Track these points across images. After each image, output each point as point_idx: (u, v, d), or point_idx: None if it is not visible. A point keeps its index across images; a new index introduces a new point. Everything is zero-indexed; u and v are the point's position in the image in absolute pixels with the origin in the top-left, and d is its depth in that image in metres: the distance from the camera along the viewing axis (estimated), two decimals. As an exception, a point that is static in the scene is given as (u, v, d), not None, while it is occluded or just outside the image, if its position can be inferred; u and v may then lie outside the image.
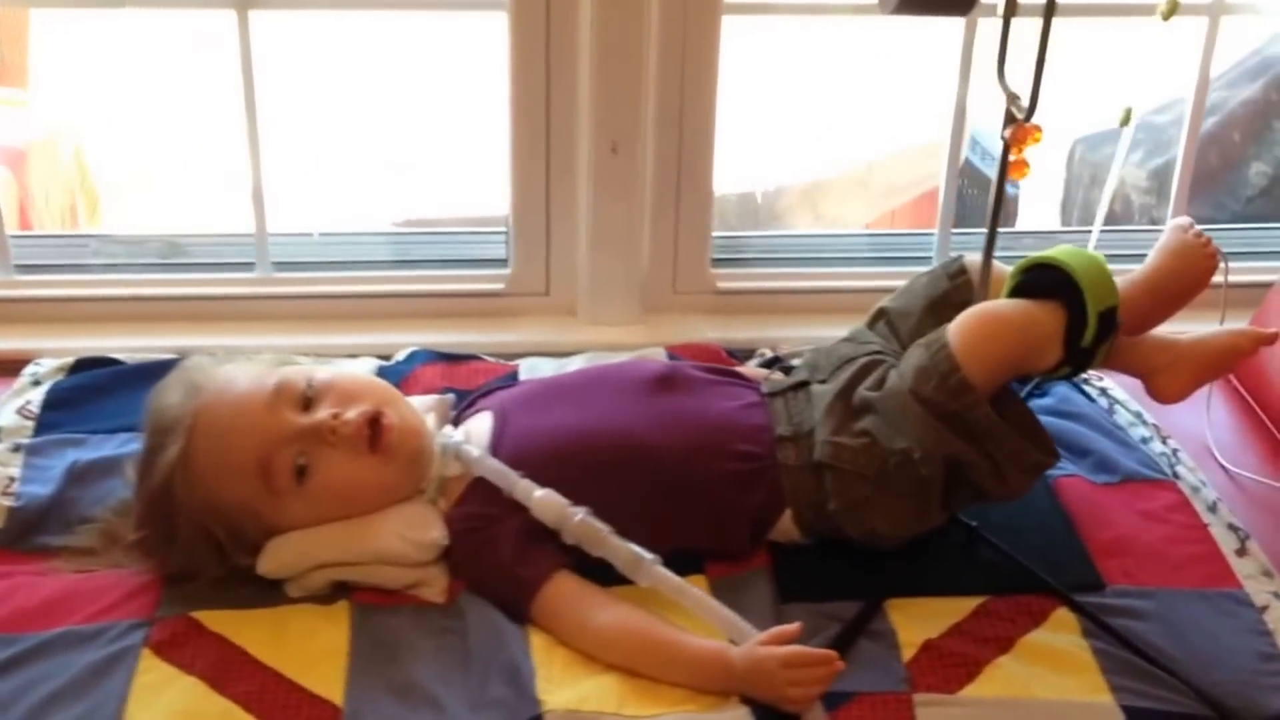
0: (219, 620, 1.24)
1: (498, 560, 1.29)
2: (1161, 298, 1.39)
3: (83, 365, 1.65)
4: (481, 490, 1.32)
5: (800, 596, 1.33)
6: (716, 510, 1.35)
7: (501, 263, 1.96)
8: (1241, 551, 1.42)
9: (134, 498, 1.31)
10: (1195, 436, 1.65)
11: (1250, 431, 1.66)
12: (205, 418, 1.28)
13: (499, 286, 1.94)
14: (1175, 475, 1.54)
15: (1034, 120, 1.29)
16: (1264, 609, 1.34)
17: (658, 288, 1.95)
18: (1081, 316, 1.29)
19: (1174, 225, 1.42)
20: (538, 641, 1.25)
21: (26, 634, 1.21)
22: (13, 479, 1.41)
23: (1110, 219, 2.83)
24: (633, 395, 1.41)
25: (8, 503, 1.37)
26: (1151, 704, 1.21)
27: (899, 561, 1.37)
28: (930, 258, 2.01)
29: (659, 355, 1.72)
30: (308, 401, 1.30)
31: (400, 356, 1.74)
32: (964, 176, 2.90)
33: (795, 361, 1.68)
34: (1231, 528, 1.45)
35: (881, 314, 1.52)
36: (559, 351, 1.81)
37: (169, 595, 1.27)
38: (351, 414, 1.29)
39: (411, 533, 1.30)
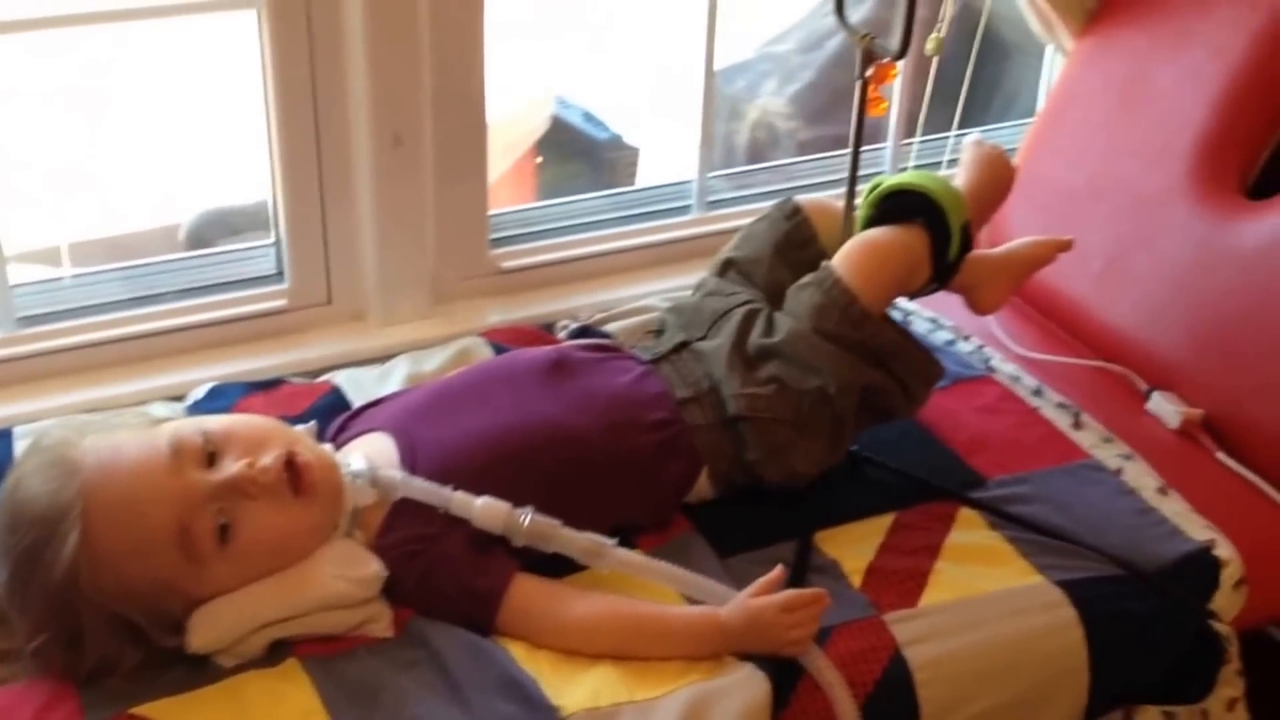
0: (167, 711, 1.12)
1: (451, 578, 1.24)
2: (980, 206, 1.52)
3: None
4: (409, 513, 1.26)
5: (737, 549, 1.37)
6: (645, 482, 1.36)
7: (276, 277, 1.84)
8: (1077, 425, 1.59)
9: (18, 602, 1.15)
10: (979, 331, 1.80)
11: (1020, 320, 1.83)
12: (98, 496, 1.14)
13: (280, 303, 1.82)
14: (991, 369, 1.69)
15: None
16: (1119, 471, 1.51)
17: (443, 277, 1.90)
18: (943, 235, 1.39)
19: (971, 142, 1.56)
20: (516, 650, 1.22)
21: None
22: None
23: (755, 148, 3.01)
24: (534, 386, 1.39)
25: None
26: (1076, 574, 1.35)
27: (807, 497, 1.43)
28: (690, 205, 2.07)
29: (480, 346, 1.69)
30: (210, 457, 1.19)
31: (199, 395, 1.60)
32: (556, 141, 2.98)
33: (609, 328, 1.71)
34: (1061, 406, 1.61)
35: (730, 264, 1.57)
36: (356, 360, 1.74)
37: (91, 698, 1.13)
38: (266, 460, 1.19)
39: (349, 571, 1.22)
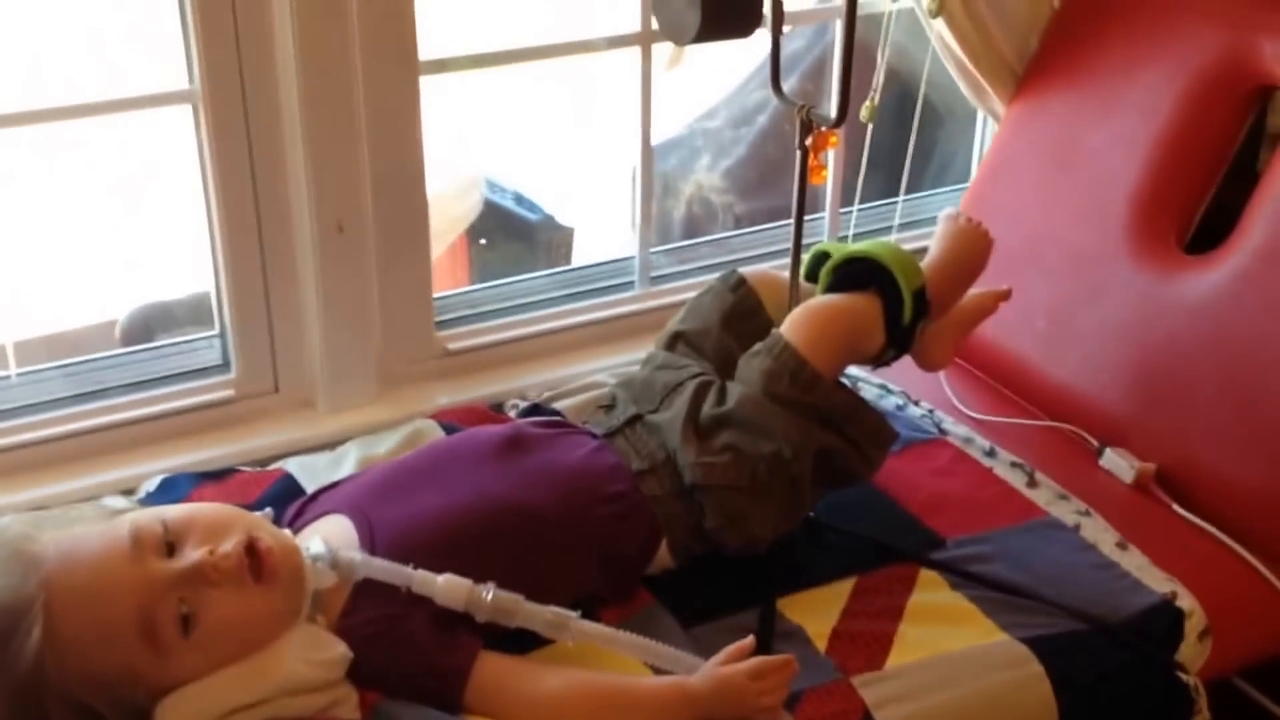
0: None
1: (416, 658, 1.22)
2: (952, 281, 1.54)
3: None
4: (370, 593, 1.25)
5: (700, 619, 1.36)
6: (605, 554, 1.36)
7: (222, 368, 1.83)
8: (1032, 484, 1.60)
9: None
10: (929, 394, 1.82)
11: (969, 382, 1.86)
12: (60, 589, 1.12)
13: (228, 394, 1.80)
14: (943, 431, 1.71)
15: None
16: (1077, 527, 1.52)
17: (390, 361, 1.89)
18: (897, 301, 1.41)
19: (946, 216, 1.59)
20: (486, 727, 1.20)
21: None
22: None
23: (691, 222, 3.05)
24: (490, 464, 1.38)
25: None
26: (1039, 631, 1.36)
27: (767, 564, 1.43)
28: (633, 281, 2.09)
29: (432, 428, 1.68)
30: (170, 546, 1.17)
31: (151, 487, 1.60)
32: (489, 225, 3.00)
33: (559, 405, 1.71)
34: (1015, 465, 1.63)
35: (678, 337, 1.58)
36: (306, 447, 1.73)
37: None
38: (227, 546, 1.17)
39: (314, 654, 1.20)
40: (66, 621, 1.11)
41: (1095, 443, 1.67)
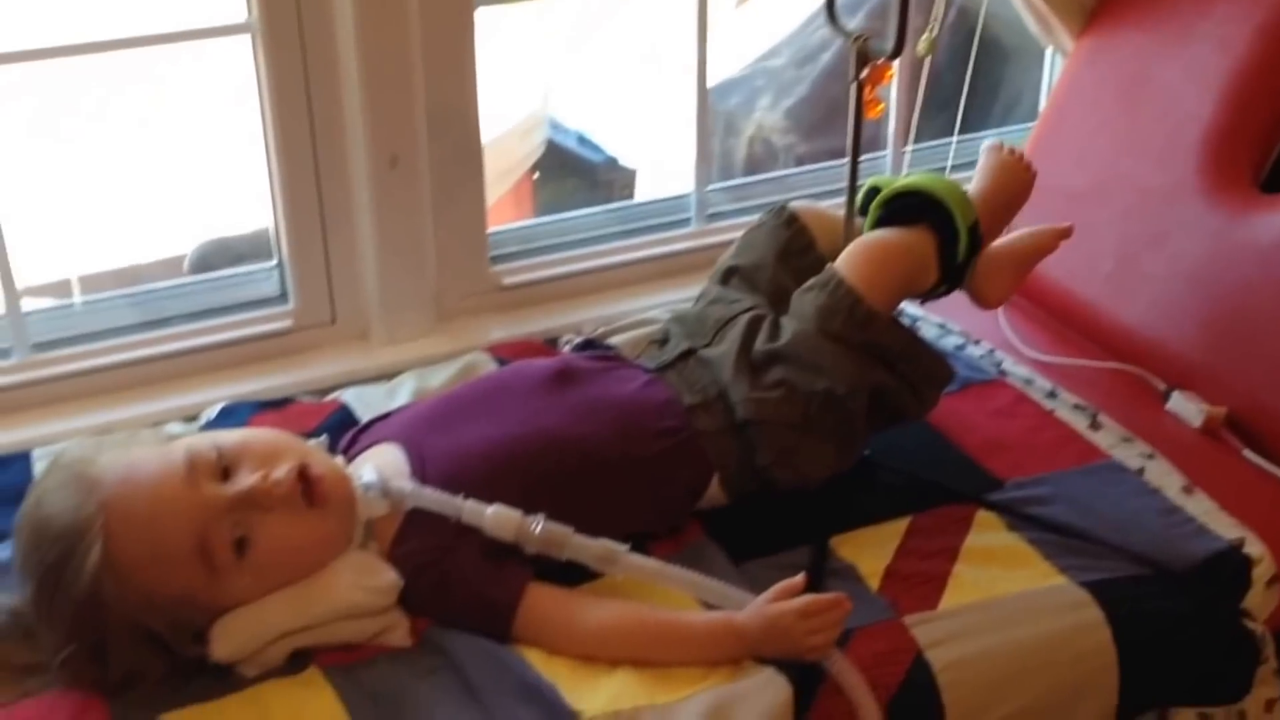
0: (193, 719, 1.13)
1: (465, 588, 1.23)
2: (996, 214, 1.51)
3: None
4: (421, 523, 1.25)
5: (751, 555, 1.35)
6: (656, 489, 1.35)
7: (280, 299, 1.84)
8: (1094, 426, 1.57)
9: (44, 616, 1.15)
10: (990, 334, 1.78)
11: (1031, 323, 1.81)
12: (119, 510, 1.14)
13: (286, 324, 1.82)
14: (1003, 372, 1.68)
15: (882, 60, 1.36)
16: (1140, 471, 1.49)
17: (445, 295, 1.89)
18: (950, 235, 1.38)
19: (988, 148, 1.54)
20: (533, 656, 1.21)
21: None
22: None
23: (752, 162, 3.01)
24: (541, 396, 1.37)
25: None
26: (1100, 575, 1.33)
27: (821, 502, 1.42)
28: (689, 218, 2.07)
29: (485, 362, 1.68)
30: (225, 471, 1.18)
31: (212, 414, 1.61)
32: (551, 166, 2.98)
33: (612, 340, 1.70)
34: (1077, 408, 1.60)
35: (732, 271, 1.56)
36: (361, 379, 1.73)
37: (118, 708, 1.14)
38: (280, 472, 1.18)
39: (366, 580, 1.21)
40: (124, 543, 1.13)
41: (1162, 385, 1.63)
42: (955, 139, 1.93)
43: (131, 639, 1.14)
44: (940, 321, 1.79)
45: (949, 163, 2.02)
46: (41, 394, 1.67)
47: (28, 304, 1.68)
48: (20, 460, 1.49)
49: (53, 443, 1.53)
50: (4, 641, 1.19)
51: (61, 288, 2.37)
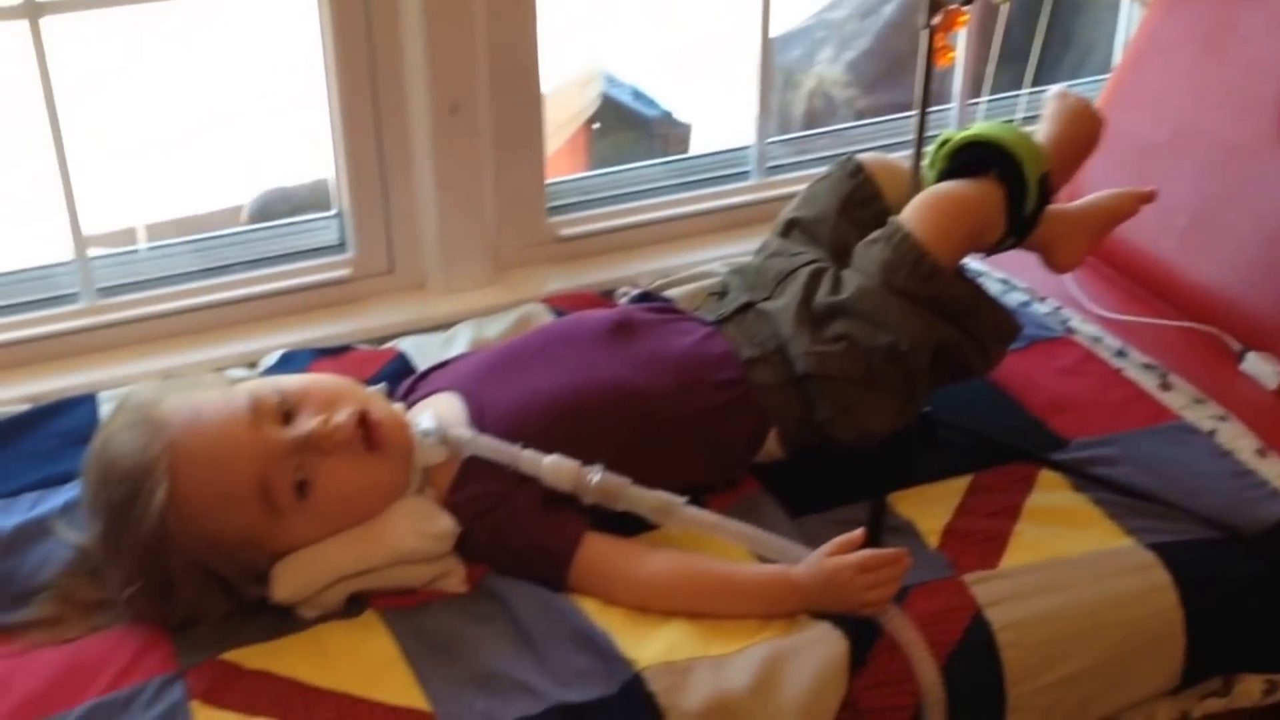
0: (254, 656, 1.14)
1: (522, 536, 1.23)
2: (1065, 163, 1.47)
3: (-65, 432, 1.44)
4: (479, 470, 1.25)
5: (808, 510, 1.34)
6: (713, 442, 1.34)
7: (339, 248, 1.84)
8: (1165, 386, 1.53)
9: (111, 554, 1.17)
10: (1056, 292, 1.74)
11: (1099, 280, 1.77)
12: (184, 452, 1.15)
13: (344, 273, 1.82)
14: (1070, 330, 1.64)
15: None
16: (1212, 433, 1.45)
17: (502, 246, 1.88)
18: (1018, 187, 1.35)
19: (1056, 94, 1.50)
20: (588, 606, 1.20)
21: (55, 715, 1.10)
22: None
23: (811, 117, 2.96)
24: (600, 346, 1.37)
25: None
26: (1167, 537, 1.30)
27: (880, 459, 1.40)
28: (749, 171, 2.04)
29: (542, 313, 1.67)
30: (287, 414, 1.19)
31: (271, 361, 1.63)
32: (605, 121, 2.95)
33: (669, 293, 1.68)
34: (1147, 367, 1.56)
35: (794, 224, 1.54)
36: (419, 328, 1.73)
37: (183, 644, 1.16)
38: (340, 416, 1.19)
39: (423, 526, 1.22)
40: (189, 483, 1.14)
41: (1237, 346, 1.59)
42: (1027, 91, 1.88)
43: (195, 578, 1.15)
44: (1004, 277, 1.76)
45: (1019, 116, 1.97)
46: (106, 338, 1.69)
47: (94, 251, 1.69)
48: (86, 402, 1.51)
49: (117, 386, 1.55)
50: (73, 578, 1.21)
51: (127, 235, 2.40)
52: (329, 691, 1.11)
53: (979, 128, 1.38)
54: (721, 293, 1.54)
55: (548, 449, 1.23)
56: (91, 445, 1.20)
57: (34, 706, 1.10)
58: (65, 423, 1.46)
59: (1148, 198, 1.51)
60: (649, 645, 1.15)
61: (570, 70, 2.92)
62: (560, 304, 1.70)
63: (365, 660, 1.14)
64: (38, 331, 1.66)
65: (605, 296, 1.76)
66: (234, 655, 1.14)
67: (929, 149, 1.48)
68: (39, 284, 1.70)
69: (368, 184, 1.76)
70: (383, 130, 1.74)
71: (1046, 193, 1.37)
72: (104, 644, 1.16)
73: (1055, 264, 1.52)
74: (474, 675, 1.12)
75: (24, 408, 1.51)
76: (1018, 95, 1.99)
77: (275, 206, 2.53)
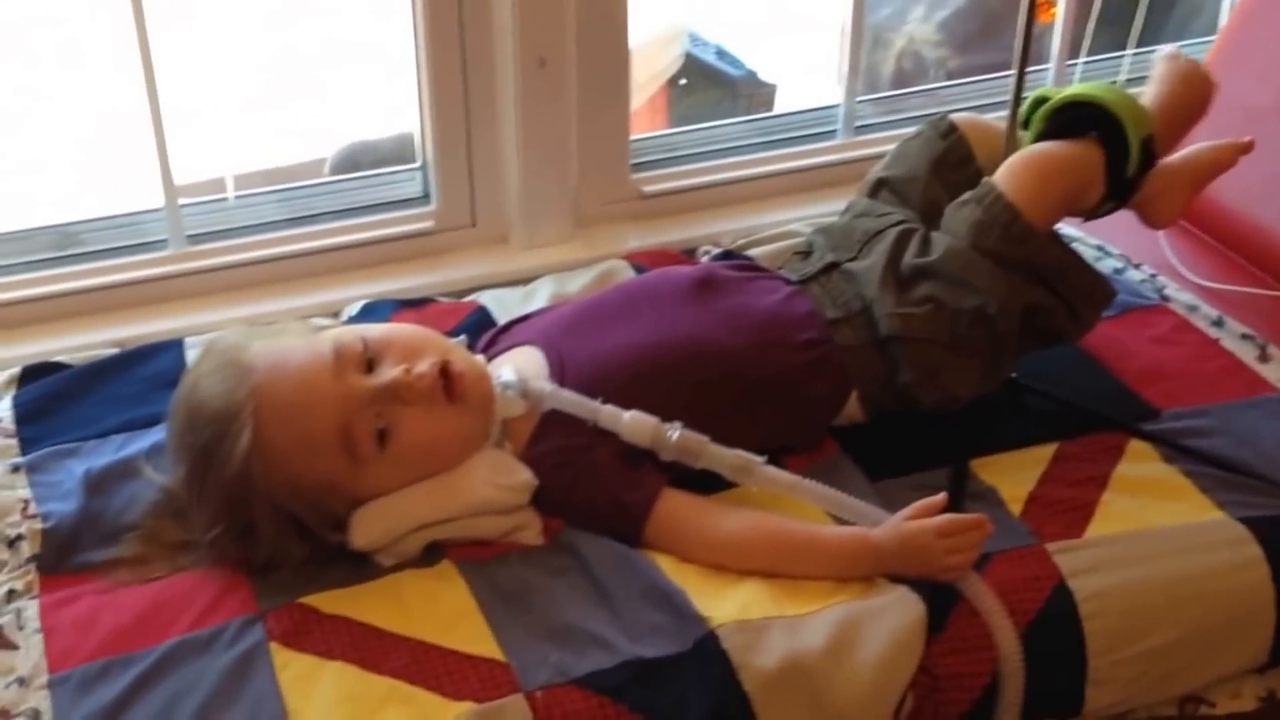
0: (332, 601, 1.16)
1: (600, 490, 1.23)
2: (1172, 126, 1.42)
3: (30, 374, 1.48)
4: (558, 424, 1.25)
5: (888, 474, 1.32)
6: (793, 402, 1.32)
7: (423, 200, 1.85)
8: (1264, 358, 1.49)
9: (195, 496, 1.19)
10: (1152, 258, 1.70)
11: (1197, 247, 1.72)
12: (268, 397, 1.16)
13: (427, 225, 1.83)
14: (1165, 298, 1.60)
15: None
16: (1313, 407, 1.41)
17: (585, 201, 1.88)
18: (1120, 149, 1.31)
19: (1166, 55, 1.45)
20: (663, 562, 1.20)
21: (140, 652, 1.12)
22: (27, 500, 1.27)
23: (900, 78, 2.90)
24: (683, 303, 1.36)
25: (38, 525, 1.24)
26: (1262, 511, 1.27)
27: (963, 424, 1.37)
28: (835, 130, 2.01)
29: (623, 269, 1.67)
30: (370, 363, 1.20)
31: (354, 311, 1.64)
32: (689, 80, 2.92)
33: (752, 252, 1.66)
34: (1245, 337, 1.52)
35: (883, 183, 1.51)
36: (499, 282, 1.73)
37: (263, 587, 1.17)
38: (422, 366, 1.19)
39: (501, 478, 1.22)
40: (273, 429, 1.15)
41: (1339, 318, 1.54)
42: (1131, 52, 1.82)
43: (276, 522, 1.16)
44: (1099, 243, 1.71)
45: (1123, 78, 1.91)
46: (194, 285, 1.71)
47: (184, 199, 1.71)
48: (173, 347, 1.53)
49: (203, 332, 1.57)
50: (159, 519, 1.23)
51: (216, 185, 2.43)
52: (404, 638, 1.12)
53: (1080, 87, 1.35)
54: (806, 252, 1.52)
55: (627, 404, 1.23)
56: (178, 389, 1.22)
57: (119, 642, 1.12)
58: (152, 367, 1.48)
59: (1246, 148, 1.46)
60: (724, 603, 1.14)
61: (654, 28, 2.89)
62: (641, 260, 1.70)
63: (441, 609, 1.15)
64: (127, 277, 1.69)
65: (687, 254, 1.75)
66: (312, 599, 1.15)
67: (1022, 108, 1.45)
68: (130, 230, 1.73)
69: (453, 137, 1.76)
70: (469, 83, 1.74)
71: (1150, 156, 1.33)
72: (187, 584, 1.18)
73: (1152, 219, 1.48)
74: (548, 627, 1.13)
75: (113, 351, 1.54)
76: (1121, 56, 1.93)
77: (359, 159, 2.55)
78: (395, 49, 1.76)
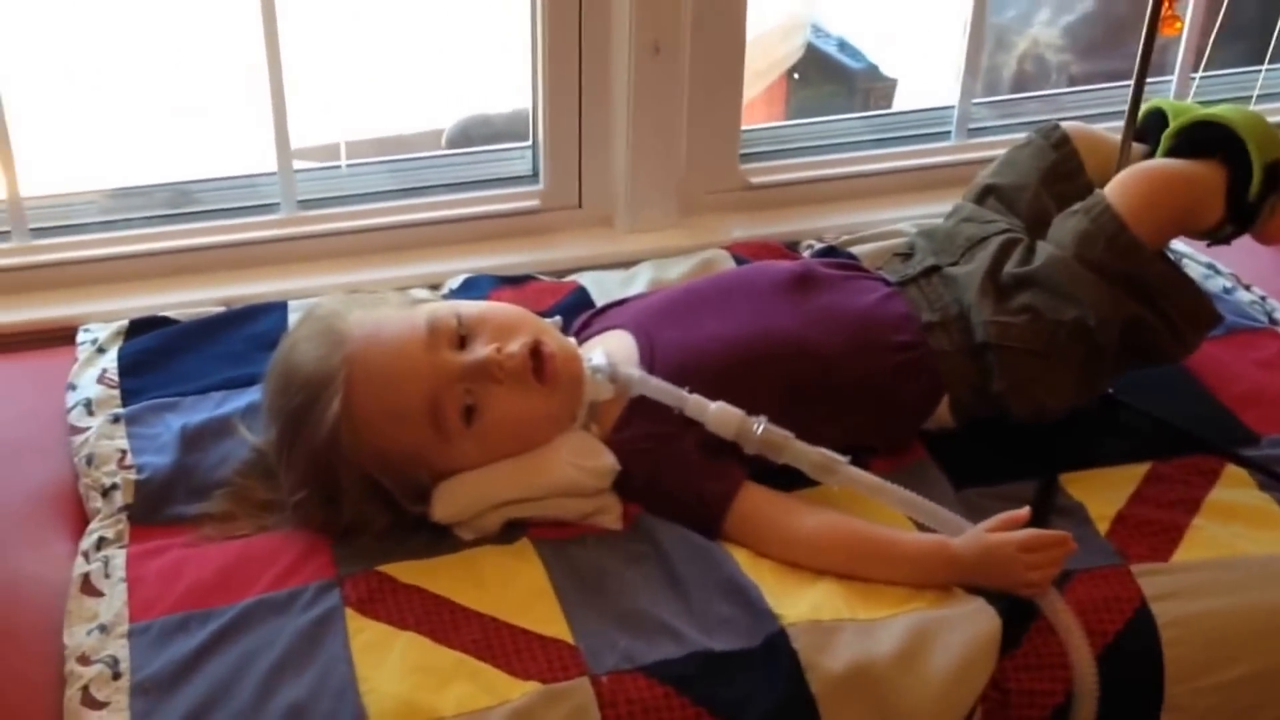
0: (409, 572, 1.17)
1: (681, 479, 1.23)
2: None
3: (137, 327, 1.53)
4: (645, 410, 1.26)
5: (973, 482, 1.31)
6: (883, 404, 1.32)
7: (531, 179, 1.87)
8: (1376, 388, 1.44)
9: (284, 458, 1.22)
10: (1263, 280, 1.65)
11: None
12: (361, 366, 1.18)
13: (534, 204, 1.84)
14: (1274, 321, 1.56)
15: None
16: None
17: (691, 188, 1.88)
18: (1244, 172, 1.27)
19: None
20: (740, 556, 1.20)
21: (219, 608, 1.14)
22: (124, 451, 1.31)
23: (1021, 80, 2.85)
24: (778, 298, 1.36)
25: (132, 476, 1.28)
26: (1360, 546, 1.22)
27: (1054, 437, 1.35)
28: (949, 131, 1.98)
29: (724, 258, 1.67)
30: (463, 339, 1.22)
31: (454, 284, 1.66)
32: (809, 70, 2.88)
33: (855, 250, 1.65)
34: (1357, 365, 1.47)
35: (990, 190, 1.49)
36: (601, 264, 1.75)
37: (343, 553, 1.19)
38: (514, 346, 1.21)
39: (584, 461, 1.23)
40: (363, 397, 1.18)
41: None
42: (1264, 67, 1.77)
43: (361, 489, 1.19)
44: (1208, 261, 1.68)
45: (1254, 93, 1.86)
46: (302, 249, 1.75)
47: (298, 164, 1.75)
48: (278, 309, 1.57)
49: (307, 296, 1.60)
50: (248, 478, 1.27)
51: (330, 151, 2.48)
52: (477, 613, 1.13)
53: (1209, 109, 1.31)
54: (907, 254, 1.50)
55: (715, 395, 1.23)
56: (276, 352, 1.25)
57: (200, 597, 1.15)
58: (256, 327, 1.52)
59: None
60: (797, 602, 1.14)
61: (777, 17, 2.88)
62: (743, 251, 1.70)
63: (516, 587, 1.16)
64: (238, 238, 1.73)
65: (790, 248, 1.74)
66: (390, 568, 1.17)
67: (1139, 117, 1.41)
68: (243, 192, 1.78)
69: (564, 118, 1.78)
70: (584, 66, 1.75)
71: (1276, 181, 1.29)
72: (270, 544, 1.20)
73: (1266, 236, 1.44)
74: (620, 613, 1.14)
75: (219, 310, 1.58)
76: (1247, 72, 1.88)
77: (472, 133, 2.58)
78: (516, 26, 1.78)
